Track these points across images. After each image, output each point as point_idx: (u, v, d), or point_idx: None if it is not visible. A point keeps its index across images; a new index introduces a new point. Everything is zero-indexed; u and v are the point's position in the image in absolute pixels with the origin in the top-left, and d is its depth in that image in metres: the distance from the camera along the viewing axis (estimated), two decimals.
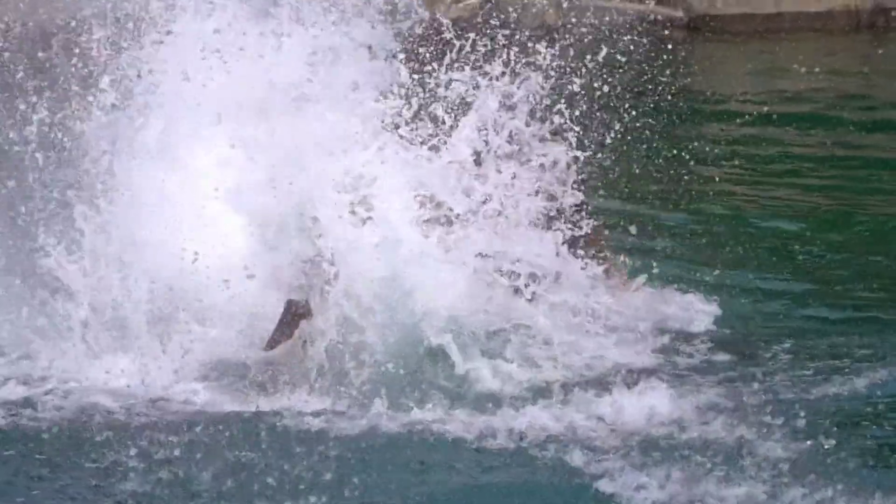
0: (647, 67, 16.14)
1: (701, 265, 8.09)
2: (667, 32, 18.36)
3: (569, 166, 7.06)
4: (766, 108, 13.80)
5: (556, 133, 7.11)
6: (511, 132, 7.12)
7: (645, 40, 17.16)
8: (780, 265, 8.24)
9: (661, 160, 10.00)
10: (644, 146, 10.13)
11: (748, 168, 11.48)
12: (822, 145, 12.60)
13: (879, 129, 13.10)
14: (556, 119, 7.15)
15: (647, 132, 9.69)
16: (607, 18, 18.32)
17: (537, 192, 6.96)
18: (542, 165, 7.05)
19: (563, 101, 7.27)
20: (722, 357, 6.83)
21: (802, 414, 5.95)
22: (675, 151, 10.21)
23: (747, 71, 16.36)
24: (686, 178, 10.19)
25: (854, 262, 8.31)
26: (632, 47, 15.31)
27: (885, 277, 8.10)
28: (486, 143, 7.07)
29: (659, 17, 18.69)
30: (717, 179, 10.62)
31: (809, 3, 18.84)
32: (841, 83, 15.72)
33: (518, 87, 7.18)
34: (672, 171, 9.80)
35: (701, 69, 16.57)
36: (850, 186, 10.92)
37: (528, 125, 7.13)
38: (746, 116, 13.58)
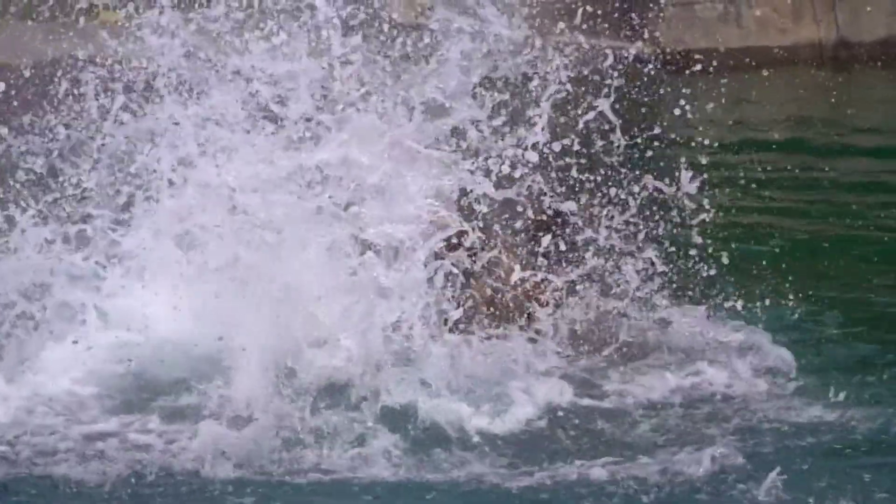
0: (618, 102, 16.26)
1: (672, 286, 8.08)
2: (638, 67, 18.51)
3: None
4: (733, 137, 13.94)
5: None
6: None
7: (616, 75, 17.36)
8: (747, 285, 8.24)
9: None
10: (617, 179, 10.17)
11: (719, 193, 11.55)
12: (787, 170, 12.70)
13: (844, 155, 13.20)
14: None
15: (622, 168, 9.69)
16: (573, 53, 18.53)
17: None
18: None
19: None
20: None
21: None
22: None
23: (714, 103, 16.43)
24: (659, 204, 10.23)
25: (821, 283, 8.32)
26: (605, 81, 15.41)
27: (851, 298, 8.13)
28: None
29: (629, 53, 18.81)
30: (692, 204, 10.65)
31: (774, 38, 19.00)
32: (806, 112, 15.86)
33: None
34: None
35: (671, 101, 16.66)
36: (819, 209, 10.99)
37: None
38: (714, 145, 13.66)
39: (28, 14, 20.01)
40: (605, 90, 14.44)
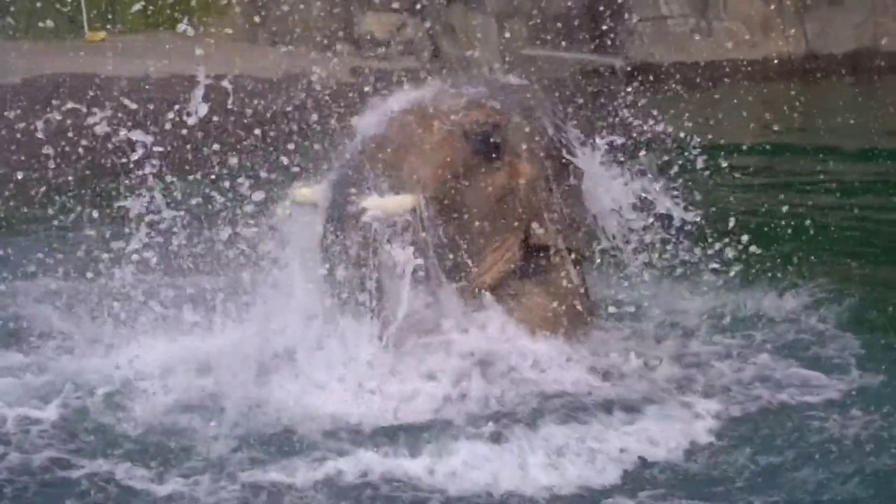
0: (588, 114, 16.39)
1: (644, 291, 8.14)
2: (606, 81, 18.69)
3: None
4: (703, 143, 14.03)
5: None
6: None
7: (588, 89, 17.52)
8: (723, 285, 8.30)
9: None
10: None
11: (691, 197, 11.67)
12: (756, 173, 12.86)
13: (811, 163, 13.36)
14: None
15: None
16: (546, 67, 18.72)
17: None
18: None
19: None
20: None
21: None
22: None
23: (686, 115, 16.56)
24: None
25: (803, 280, 8.39)
26: (575, 95, 15.54)
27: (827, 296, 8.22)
28: None
29: (599, 67, 19.03)
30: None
31: (745, 51, 19.19)
32: (776, 120, 16.00)
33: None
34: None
35: (642, 114, 16.77)
36: (787, 210, 11.15)
37: None
38: (685, 152, 13.80)
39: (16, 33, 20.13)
40: (579, 99, 14.63)
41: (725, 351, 7.12)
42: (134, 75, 17.30)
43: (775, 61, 19.28)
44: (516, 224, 6.60)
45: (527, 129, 6.66)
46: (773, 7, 19.34)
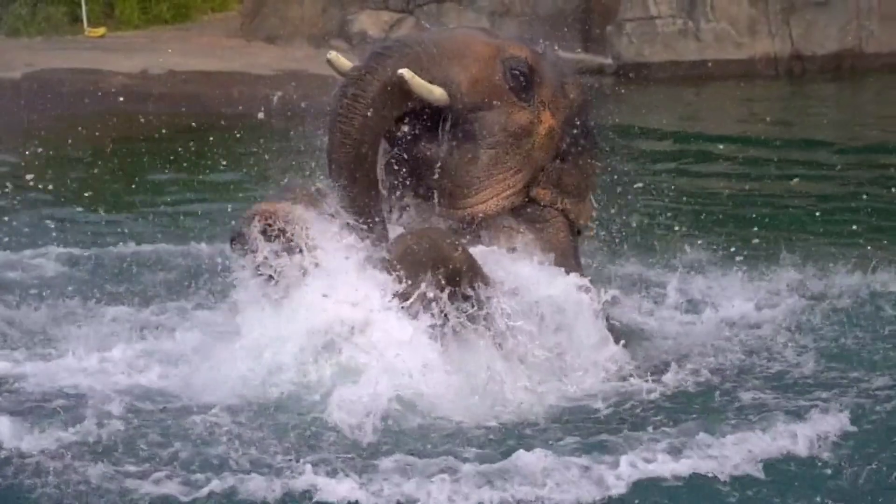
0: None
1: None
2: (597, 79, 18.76)
3: None
4: (691, 138, 14.20)
5: None
6: None
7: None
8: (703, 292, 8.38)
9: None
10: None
11: (678, 186, 11.79)
12: (738, 163, 12.97)
13: (797, 163, 13.45)
14: None
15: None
16: None
17: None
18: None
19: None
20: None
21: None
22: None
23: (674, 113, 16.68)
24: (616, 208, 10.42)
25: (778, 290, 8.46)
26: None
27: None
28: None
29: (589, 65, 19.08)
30: (648, 208, 10.88)
31: (731, 51, 19.28)
32: (760, 121, 16.11)
33: None
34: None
35: (630, 112, 16.90)
36: (767, 200, 11.26)
37: None
38: (673, 151, 13.94)
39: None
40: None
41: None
42: (132, 71, 17.39)
43: (761, 61, 19.37)
44: (525, 167, 6.69)
45: (560, 87, 6.81)
46: (758, 8, 19.41)
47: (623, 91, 18.09)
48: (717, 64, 19.13)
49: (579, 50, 19.62)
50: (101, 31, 20.17)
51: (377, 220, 6.34)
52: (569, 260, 6.81)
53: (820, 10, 19.43)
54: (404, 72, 6.27)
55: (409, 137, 6.52)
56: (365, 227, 6.28)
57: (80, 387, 6.34)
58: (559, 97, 6.76)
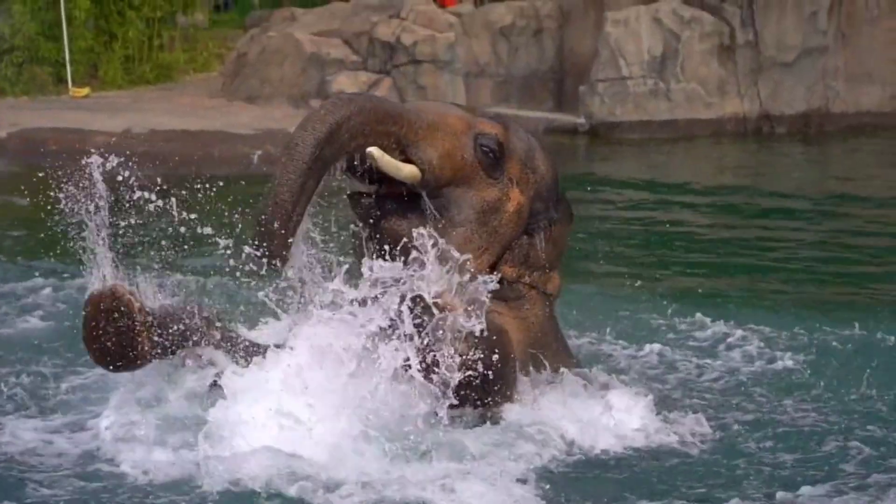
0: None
1: (597, 340, 8.22)
2: (570, 138, 18.90)
3: None
4: (660, 197, 14.28)
5: None
6: None
7: (551, 147, 17.66)
8: (677, 339, 8.41)
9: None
10: None
11: (647, 246, 11.85)
12: (713, 227, 13.04)
13: (763, 216, 13.56)
14: None
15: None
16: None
17: None
18: None
19: None
20: None
21: None
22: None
23: (644, 170, 16.80)
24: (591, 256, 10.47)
25: (752, 332, 8.51)
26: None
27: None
28: None
29: (562, 124, 19.23)
30: (620, 257, 10.93)
31: (701, 111, 19.44)
32: (729, 177, 16.26)
33: None
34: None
35: (602, 169, 17.02)
36: (737, 262, 11.32)
37: None
38: (643, 204, 14.03)
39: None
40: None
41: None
42: (115, 130, 17.43)
43: (730, 121, 19.54)
44: (491, 245, 6.56)
45: (529, 161, 6.70)
46: (727, 69, 19.60)
47: (595, 151, 18.29)
48: (687, 123, 19.30)
49: (551, 109, 19.82)
50: (86, 91, 20.25)
51: (284, 254, 6.05)
52: (548, 336, 6.73)
53: (787, 71, 19.63)
54: (373, 150, 6.17)
55: (377, 211, 6.40)
56: (268, 255, 5.99)
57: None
58: (528, 172, 6.63)
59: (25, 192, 8.94)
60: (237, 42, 20.98)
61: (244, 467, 5.78)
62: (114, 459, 5.99)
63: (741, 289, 10.21)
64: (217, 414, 6.02)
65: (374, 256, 6.38)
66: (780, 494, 5.78)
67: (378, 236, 6.40)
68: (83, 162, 6.30)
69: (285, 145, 6.09)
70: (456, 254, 6.19)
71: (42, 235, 8.97)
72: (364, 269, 6.18)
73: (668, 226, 12.65)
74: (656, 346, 7.93)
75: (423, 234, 6.17)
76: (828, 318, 8.54)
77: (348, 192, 6.47)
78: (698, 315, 8.56)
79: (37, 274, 9.47)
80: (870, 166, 17.44)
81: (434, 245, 6.15)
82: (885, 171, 16.96)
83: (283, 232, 5.94)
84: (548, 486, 5.83)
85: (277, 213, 5.95)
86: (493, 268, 6.59)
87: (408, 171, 6.30)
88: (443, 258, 6.24)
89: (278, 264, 6.00)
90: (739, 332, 8.23)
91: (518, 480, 5.85)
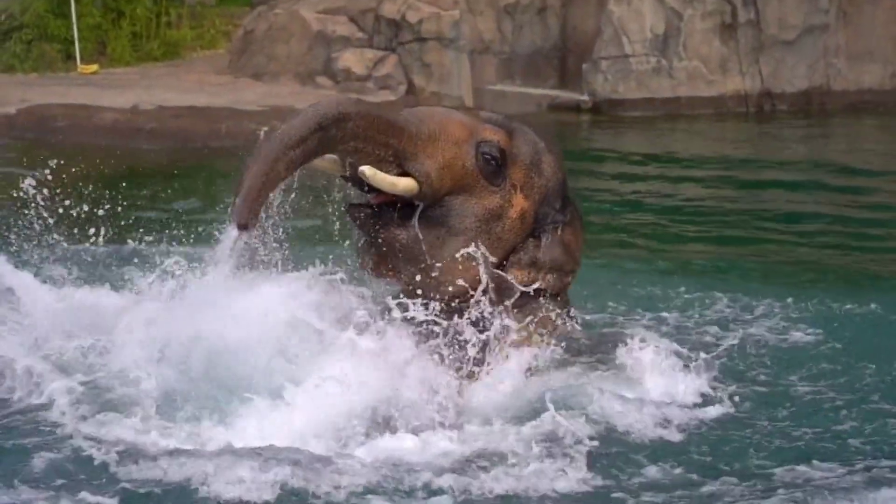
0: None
1: (606, 312, 8.21)
2: (573, 115, 18.92)
3: None
4: (663, 174, 14.31)
5: None
6: None
7: (554, 123, 17.70)
8: (690, 307, 8.41)
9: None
10: None
11: (653, 220, 11.88)
12: (716, 200, 13.07)
13: (765, 188, 13.59)
14: None
15: None
16: (515, 102, 18.93)
17: None
18: None
19: None
20: None
21: None
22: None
23: (647, 146, 16.80)
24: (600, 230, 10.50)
25: (756, 300, 8.52)
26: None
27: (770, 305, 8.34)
28: None
29: (566, 102, 19.24)
30: (627, 231, 10.96)
31: (702, 89, 19.43)
32: (731, 152, 16.26)
33: None
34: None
35: (605, 145, 17.04)
36: (738, 235, 11.35)
37: None
38: (648, 179, 14.06)
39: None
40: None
41: None
42: (123, 106, 17.45)
43: (732, 99, 19.53)
44: (495, 252, 6.51)
45: (535, 165, 6.65)
46: (729, 47, 19.57)
47: (598, 127, 18.29)
48: (689, 101, 19.29)
49: (555, 87, 19.79)
50: (94, 67, 20.24)
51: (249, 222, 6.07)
52: (571, 343, 6.66)
53: (788, 48, 19.60)
54: (365, 169, 6.17)
55: (377, 221, 6.40)
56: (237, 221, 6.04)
57: None
58: (534, 177, 6.59)
59: (36, 165, 8.95)
60: (244, 19, 20.92)
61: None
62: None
63: (747, 260, 10.25)
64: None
65: (373, 266, 6.48)
66: (791, 467, 5.82)
67: (378, 246, 6.43)
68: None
69: (280, 126, 6.12)
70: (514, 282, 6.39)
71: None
72: (394, 309, 6.26)
73: (670, 199, 12.69)
74: (665, 316, 7.96)
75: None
76: (833, 287, 8.57)
77: (348, 203, 6.49)
78: (702, 285, 8.60)
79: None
80: (872, 142, 17.46)
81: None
82: (887, 147, 16.99)
83: (250, 204, 5.98)
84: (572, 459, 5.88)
85: (249, 186, 5.99)
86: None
87: (403, 185, 6.29)
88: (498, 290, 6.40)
89: (243, 229, 5.99)
90: (747, 302, 8.27)
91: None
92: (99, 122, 17.02)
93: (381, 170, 6.27)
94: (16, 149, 16.05)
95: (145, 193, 12.64)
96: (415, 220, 6.40)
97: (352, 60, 19.17)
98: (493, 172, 6.51)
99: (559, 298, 6.77)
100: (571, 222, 6.78)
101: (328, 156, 6.30)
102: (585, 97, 19.24)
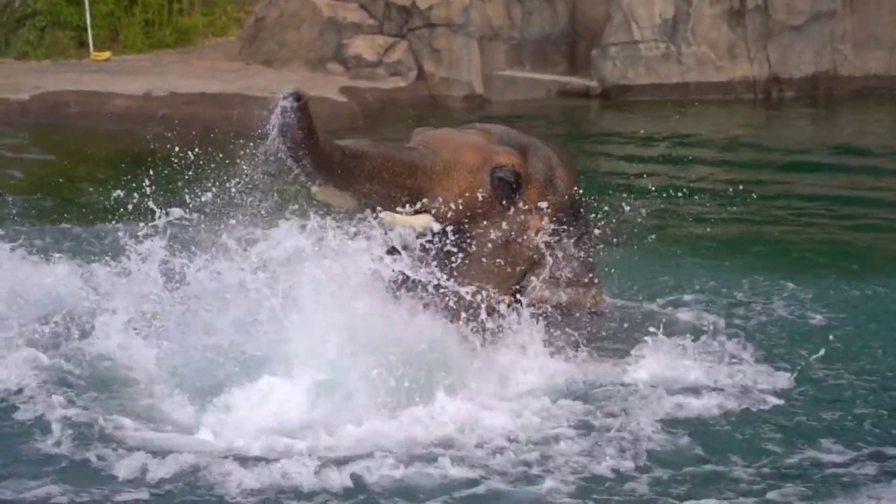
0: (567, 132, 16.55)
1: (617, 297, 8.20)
2: (582, 101, 18.87)
3: None
4: (672, 155, 14.29)
5: None
6: None
7: (563, 109, 17.66)
8: (694, 287, 8.39)
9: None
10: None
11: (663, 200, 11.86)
12: (717, 182, 13.05)
13: (775, 171, 13.57)
14: None
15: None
16: (524, 88, 18.89)
17: None
18: None
19: None
20: None
21: None
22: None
23: (655, 131, 16.76)
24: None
25: (763, 280, 8.51)
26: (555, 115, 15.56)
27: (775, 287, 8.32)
28: None
29: (575, 87, 19.18)
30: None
31: (711, 74, 19.37)
32: (740, 136, 16.22)
33: None
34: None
35: (614, 130, 17.01)
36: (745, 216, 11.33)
37: None
38: (655, 164, 14.04)
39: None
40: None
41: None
42: (136, 93, 17.43)
43: (740, 84, 19.47)
44: (515, 270, 6.55)
45: (549, 182, 6.67)
46: (737, 33, 19.51)
47: (607, 112, 18.25)
48: (697, 86, 19.24)
49: (564, 72, 19.74)
50: (106, 54, 20.20)
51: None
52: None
53: (796, 34, 19.53)
54: (384, 216, 6.22)
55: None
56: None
57: None
58: (548, 194, 6.63)
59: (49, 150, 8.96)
60: (255, 6, 20.87)
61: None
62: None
63: (758, 241, 10.23)
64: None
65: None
66: (806, 452, 5.84)
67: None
68: None
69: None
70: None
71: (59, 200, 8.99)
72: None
73: (679, 181, 12.66)
74: (678, 298, 7.94)
75: None
76: (842, 267, 8.54)
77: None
78: (715, 266, 8.58)
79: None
80: (879, 125, 17.43)
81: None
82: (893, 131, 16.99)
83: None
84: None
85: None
86: (516, 292, 6.59)
87: (421, 224, 6.32)
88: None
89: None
90: (760, 281, 8.25)
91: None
92: (111, 108, 17.00)
93: (397, 208, 6.31)
94: (29, 135, 16.04)
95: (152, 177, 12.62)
96: (431, 261, 6.38)
97: (362, 47, 19.13)
98: (509, 196, 6.54)
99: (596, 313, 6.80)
100: (585, 235, 6.80)
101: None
102: (595, 83, 19.19)
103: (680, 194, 11.93)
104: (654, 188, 12.41)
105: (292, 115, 6.02)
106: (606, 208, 7.04)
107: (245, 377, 6.18)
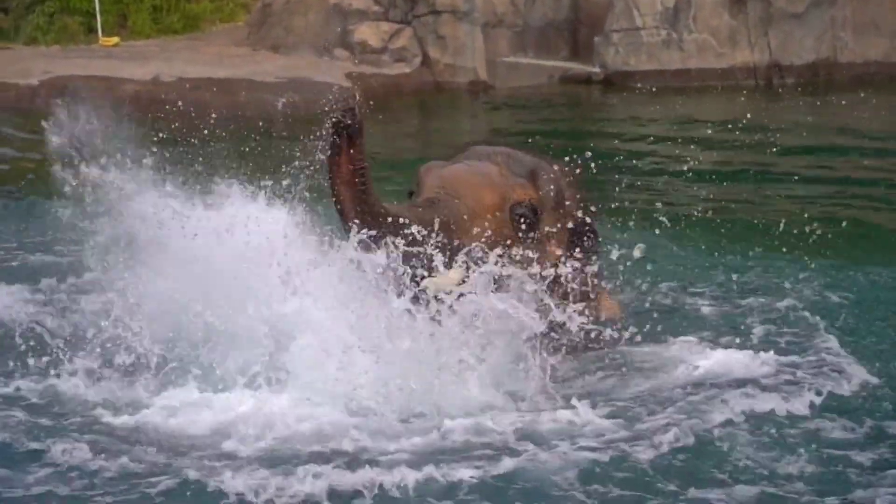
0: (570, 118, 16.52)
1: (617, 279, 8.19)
2: (585, 87, 18.86)
3: None
4: (673, 138, 14.24)
5: None
6: None
7: (566, 95, 17.64)
8: (707, 266, 8.39)
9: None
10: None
11: (667, 183, 11.84)
12: (726, 164, 13.03)
13: (778, 154, 13.54)
14: None
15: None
16: (527, 74, 18.89)
17: None
18: None
19: None
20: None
21: None
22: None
23: (657, 116, 16.74)
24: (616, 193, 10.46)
25: (764, 258, 8.49)
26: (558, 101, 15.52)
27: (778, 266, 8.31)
28: None
29: (577, 74, 19.17)
30: (641, 195, 10.91)
31: (712, 61, 19.35)
32: (741, 121, 16.17)
33: None
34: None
35: (616, 116, 16.97)
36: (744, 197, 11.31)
37: None
38: (657, 146, 14.01)
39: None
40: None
41: None
42: (144, 78, 17.44)
43: (741, 70, 19.44)
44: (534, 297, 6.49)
45: (561, 207, 6.73)
46: (738, 20, 19.48)
47: (609, 98, 18.22)
48: (699, 73, 19.22)
49: (567, 59, 19.73)
50: (115, 40, 20.21)
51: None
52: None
53: (797, 21, 19.50)
54: (428, 286, 6.19)
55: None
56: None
57: None
58: (560, 216, 6.71)
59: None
60: None
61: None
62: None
63: (763, 221, 10.21)
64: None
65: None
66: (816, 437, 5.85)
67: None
68: None
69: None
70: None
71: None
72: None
73: (681, 164, 12.63)
74: (694, 283, 7.94)
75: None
76: (851, 253, 8.53)
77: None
78: (717, 249, 8.57)
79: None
80: (880, 112, 17.39)
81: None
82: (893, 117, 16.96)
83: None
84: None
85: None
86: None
87: (457, 278, 6.30)
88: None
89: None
90: (765, 262, 8.24)
91: None
92: (120, 93, 17.00)
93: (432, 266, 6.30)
94: (38, 120, 16.01)
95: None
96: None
97: (368, 33, 19.12)
98: (529, 229, 6.58)
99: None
100: (591, 248, 6.83)
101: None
102: (597, 69, 19.19)
103: (681, 179, 11.92)
104: (653, 171, 12.42)
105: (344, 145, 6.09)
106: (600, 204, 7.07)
107: (246, 378, 6.18)
